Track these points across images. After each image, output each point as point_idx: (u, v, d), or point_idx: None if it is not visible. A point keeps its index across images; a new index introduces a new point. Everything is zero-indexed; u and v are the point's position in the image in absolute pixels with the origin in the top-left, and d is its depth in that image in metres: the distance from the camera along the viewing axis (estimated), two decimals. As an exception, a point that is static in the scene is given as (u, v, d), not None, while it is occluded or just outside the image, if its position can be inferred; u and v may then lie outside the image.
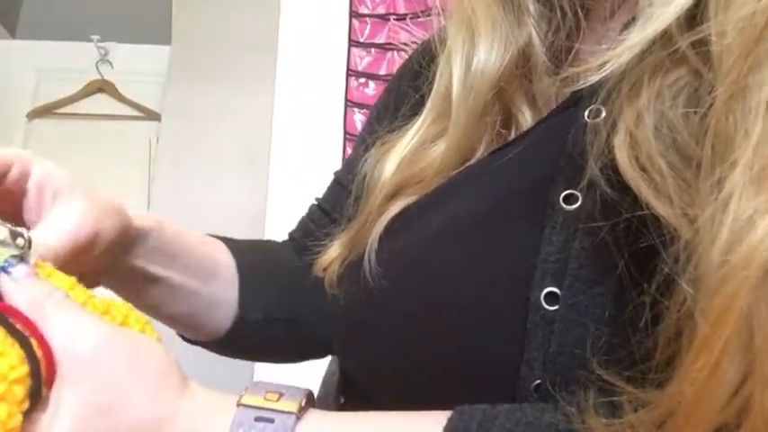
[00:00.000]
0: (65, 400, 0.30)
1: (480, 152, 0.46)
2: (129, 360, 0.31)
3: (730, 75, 0.30)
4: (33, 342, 0.29)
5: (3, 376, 0.28)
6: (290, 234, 0.65)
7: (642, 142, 0.32)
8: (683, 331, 0.28)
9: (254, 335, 0.56)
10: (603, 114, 0.35)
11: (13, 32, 2.09)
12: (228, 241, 0.58)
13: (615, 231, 0.32)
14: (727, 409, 0.26)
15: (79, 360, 0.30)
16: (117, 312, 0.34)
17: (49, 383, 0.30)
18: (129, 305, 0.35)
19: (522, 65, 0.46)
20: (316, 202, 0.64)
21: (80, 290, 0.34)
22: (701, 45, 0.32)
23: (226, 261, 0.56)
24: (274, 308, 0.57)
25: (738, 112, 0.29)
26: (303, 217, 0.65)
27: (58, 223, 0.41)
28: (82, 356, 0.30)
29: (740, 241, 0.26)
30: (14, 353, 0.28)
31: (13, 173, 0.41)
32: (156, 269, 0.50)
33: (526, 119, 0.46)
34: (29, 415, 0.29)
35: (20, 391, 0.28)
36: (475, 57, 0.45)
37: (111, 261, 0.46)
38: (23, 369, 0.28)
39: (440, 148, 0.46)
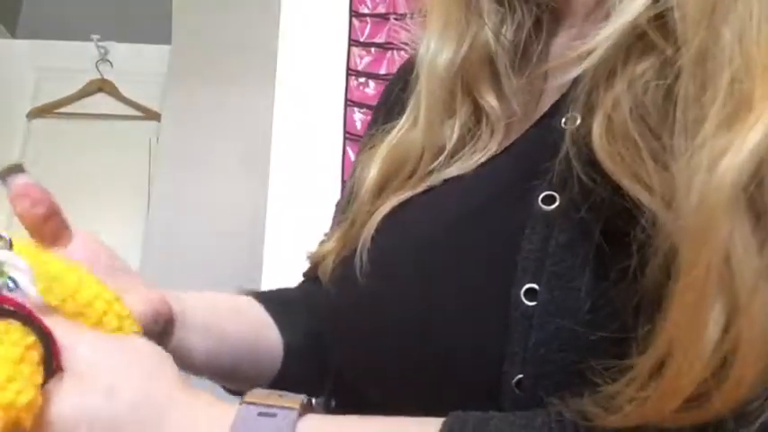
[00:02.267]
0: (64, 388, 0.31)
1: (453, 141, 0.48)
2: (124, 350, 0.33)
3: (693, 40, 0.31)
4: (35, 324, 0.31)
5: (15, 342, 0.29)
6: (304, 274, 0.61)
7: (618, 125, 0.33)
8: (662, 301, 0.29)
9: (303, 363, 0.54)
10: (579, 121, 0.36)
11: (13, 32, 2.10)
12: (264, 300, 0.56)
13: (591, 226, 0.33)
14: (717, 352, 0.27)
15: (76, 352, 0.32)
16: (99, 305, 0.35)
17: (58, 357, 0.31)
18: (115, 294, 0.36)
19: (480, 58, 0.48)
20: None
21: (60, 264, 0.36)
22: (665, 27, 0.33)
23: (269, 336, 0.54)
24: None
25: (705, 74, 0.30)
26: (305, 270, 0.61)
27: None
28: (78, 348, 0.32)
29: (714, 168, 0.27)
30: (20, 329, 0.30)
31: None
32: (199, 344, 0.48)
33: (495, 111, 0.48)
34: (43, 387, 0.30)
35: (35, 355, 0.30)
36: (429, 50, 0.49)
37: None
38: (32, 338, 0.30)
39: (413, 134, 0.49)
